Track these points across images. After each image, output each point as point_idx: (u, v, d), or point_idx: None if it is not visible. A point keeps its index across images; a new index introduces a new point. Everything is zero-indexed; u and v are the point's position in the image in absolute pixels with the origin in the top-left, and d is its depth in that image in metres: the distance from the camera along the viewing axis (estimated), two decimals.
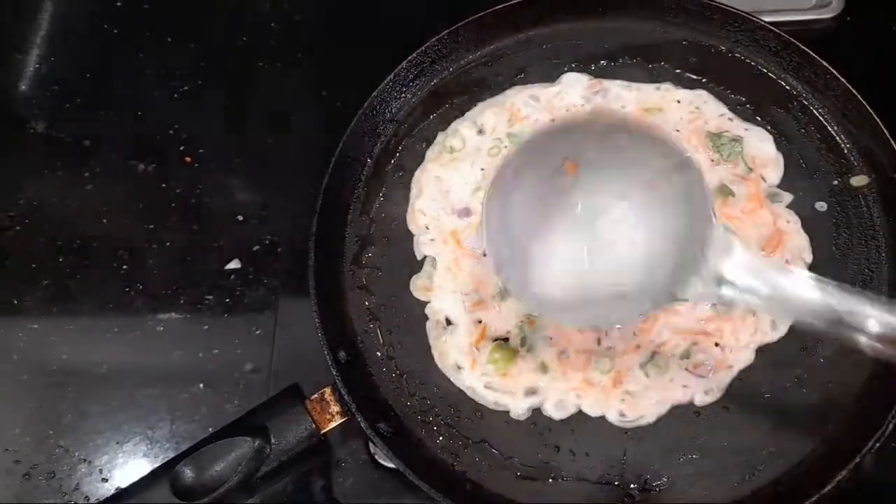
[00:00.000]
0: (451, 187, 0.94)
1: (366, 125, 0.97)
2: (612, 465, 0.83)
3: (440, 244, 0.91)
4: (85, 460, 0.96)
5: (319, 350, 0.84)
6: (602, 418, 0.84)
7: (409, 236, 0.94)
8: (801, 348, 0.86)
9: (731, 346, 0.85)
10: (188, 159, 1.11)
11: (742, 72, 0.99)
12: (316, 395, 0.82)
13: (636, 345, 0.86)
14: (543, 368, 0.85)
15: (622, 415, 0.84)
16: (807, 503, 0.77)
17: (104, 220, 1.08)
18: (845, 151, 0.94)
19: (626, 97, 0.97)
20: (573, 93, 0.98)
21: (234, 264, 1.04)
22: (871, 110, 0.91)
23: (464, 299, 0.89)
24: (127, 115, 1.14)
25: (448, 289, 0.89)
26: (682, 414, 0.84)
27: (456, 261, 0.90)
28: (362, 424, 0.81)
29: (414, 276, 0.91)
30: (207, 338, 1.00)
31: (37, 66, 1.18)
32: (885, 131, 0.90)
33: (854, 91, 0.92)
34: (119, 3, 1.22)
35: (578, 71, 0.99)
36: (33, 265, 1.06)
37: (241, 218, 1.07)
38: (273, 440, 0.79)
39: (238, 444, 0.79)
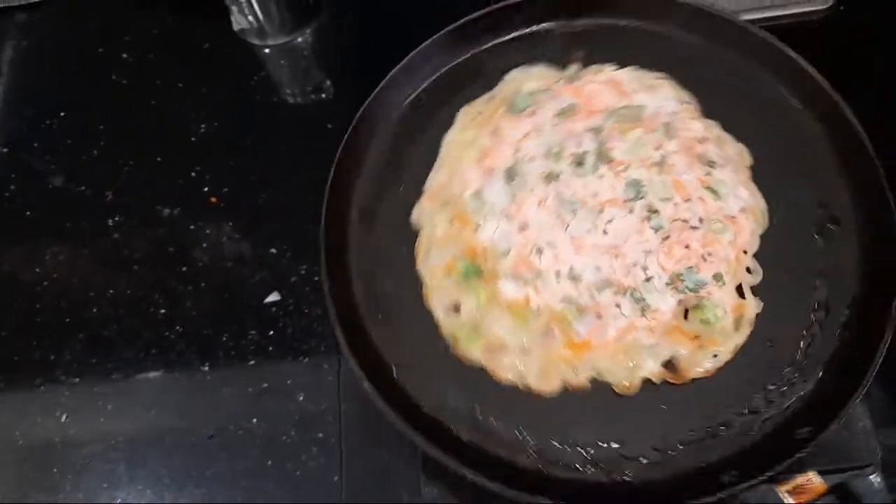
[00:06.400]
0: None
1: None
2: None
3: None
4: None
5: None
6: None
7: None
8: None
9: None
10: (214, 200, 1.10)
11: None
12: None
13: None
14: None
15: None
16: None
17: (135, 267, 1.07)
18: None
19: None
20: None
21: (274, 297, 1.03)
22: None
23: None
24: (146, 161, 1.14)
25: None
26: None
27: None
28: None
29: None
30: (256, 372, 0.99)
31: (48, 121, 1.18)
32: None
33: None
34: (125, 55, 1.22)
35: None
36: (67, 319, 1.04)
37: (274, 251, 1.06)
38: None
39: None
